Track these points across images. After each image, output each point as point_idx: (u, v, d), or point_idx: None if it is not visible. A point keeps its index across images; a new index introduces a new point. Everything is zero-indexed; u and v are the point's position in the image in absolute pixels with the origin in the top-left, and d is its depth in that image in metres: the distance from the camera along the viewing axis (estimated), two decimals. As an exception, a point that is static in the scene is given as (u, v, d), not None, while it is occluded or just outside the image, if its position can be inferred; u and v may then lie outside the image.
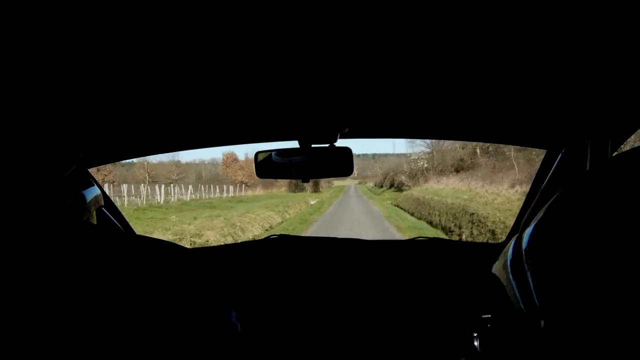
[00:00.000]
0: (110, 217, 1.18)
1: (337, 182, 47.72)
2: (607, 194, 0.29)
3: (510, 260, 0.36)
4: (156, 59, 0.62)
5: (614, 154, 0.90)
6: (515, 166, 14.99)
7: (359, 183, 54.05)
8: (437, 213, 11.95)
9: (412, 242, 1.42)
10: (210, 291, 0.39)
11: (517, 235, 0.37)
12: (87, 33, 0.51)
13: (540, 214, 0.33)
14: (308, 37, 0.57)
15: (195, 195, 22.90)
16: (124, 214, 1.26)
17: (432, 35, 0.56)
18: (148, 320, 0.30)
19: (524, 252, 0.33)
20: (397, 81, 0.76)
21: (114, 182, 24.28)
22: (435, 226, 11.23)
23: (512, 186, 12.00)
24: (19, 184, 0.74)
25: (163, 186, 21.62)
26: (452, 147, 21.49)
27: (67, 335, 0.27)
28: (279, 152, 1.03)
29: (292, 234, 1.53)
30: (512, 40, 0.58)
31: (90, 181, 1.01)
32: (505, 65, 0.68)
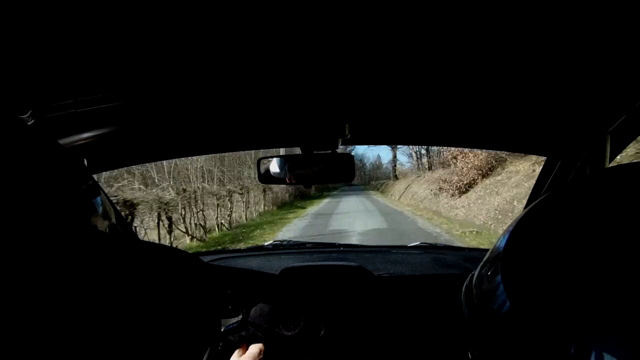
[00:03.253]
0: (114, 222, 1.19)
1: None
2: (584, 205, 0.29)
3: (482, 268, 0.36)
4: (162, 67, 0.63)
5: (611, 164, 0.90)
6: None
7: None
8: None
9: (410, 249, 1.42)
10: (214, 298, 0.39)
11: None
12: (91, 37, 0.52)
13: (515, 221, 0.33)
14: (310, 44, 0.58)
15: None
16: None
17: (432, 43, 0.57)
18: (148, 325, 0.31)
19: (495, 260, 0.33)
20: (398, 88, 0.77)
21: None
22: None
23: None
24: (20, 190, 0.74)
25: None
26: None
27: (68, 338, 0.27)
28: (281, 158, 1.04)
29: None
30: (512, 47, 0.58)
31: (94, 187, 1.01)
32: (505, 72, 0.69)
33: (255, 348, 0.77)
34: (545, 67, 0.66)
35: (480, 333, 0.32)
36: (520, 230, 0.32)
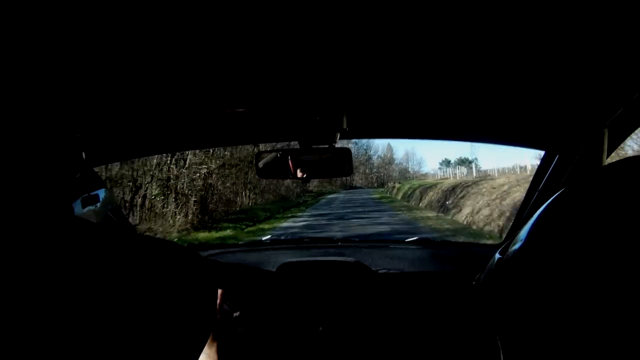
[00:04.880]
0: (111, 215, 1.19)
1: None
2: (605, 201, 0.28)
3: (493, 269, 0.36)
4: (160, 60, 0.63)
5: (611, 156, 0.90)
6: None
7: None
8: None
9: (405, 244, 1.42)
10: (211, 292, 0.39)
11: (506, 242, 0.36)
12: (90, 33, 0.52)
13: (531, 221, 0.32)
14: (308, 38, 0.57)
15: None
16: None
17: (431, 35, 0.57)
18: (143, 320, 0.30)
19: (510, 260, 0.33)
20: (396, 82, 0.77)
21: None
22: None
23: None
24: (20, 183, 0.75)
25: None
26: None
27: (67, 335, 0.27)
28: (279, 152, 1.04)
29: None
30: (512, 40, 0.58)
31: (94, 180, 1.01)
32: (505, 66, 0.68)
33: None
34: (543, 61, 0.65)
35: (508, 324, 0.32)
36: (540, 227, 0.31)
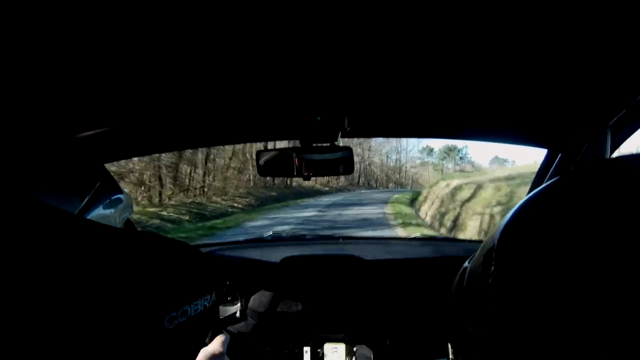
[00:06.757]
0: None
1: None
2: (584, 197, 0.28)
3: (476, 260, 0.36)
4: (163, 58, 0.63)
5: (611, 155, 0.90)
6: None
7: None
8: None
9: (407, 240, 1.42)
10: (213, 288, 0.39)
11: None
12: (98, 32, 0.52)
13: (512, 212, 0.32)
14: (309, 37, 0.57)
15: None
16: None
17: (432, 33, 0.57)
18: (145, 317, 0.31)
19: (488, 252, 0.33)
20: (398, 80, 0.77)
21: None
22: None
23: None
24: (27, 177, 0.75)
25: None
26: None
27: (61, 332, 0.27)
28: (280, 151, 1.04)
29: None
30: (513, 38, 0.58)
31: (103, 177, 1.02)
32: (507, 64, 0.68)
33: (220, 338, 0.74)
34: (548, 60, 0.65)
35: (468, 326, 0.32)
36: (517, 221, 0.31)
